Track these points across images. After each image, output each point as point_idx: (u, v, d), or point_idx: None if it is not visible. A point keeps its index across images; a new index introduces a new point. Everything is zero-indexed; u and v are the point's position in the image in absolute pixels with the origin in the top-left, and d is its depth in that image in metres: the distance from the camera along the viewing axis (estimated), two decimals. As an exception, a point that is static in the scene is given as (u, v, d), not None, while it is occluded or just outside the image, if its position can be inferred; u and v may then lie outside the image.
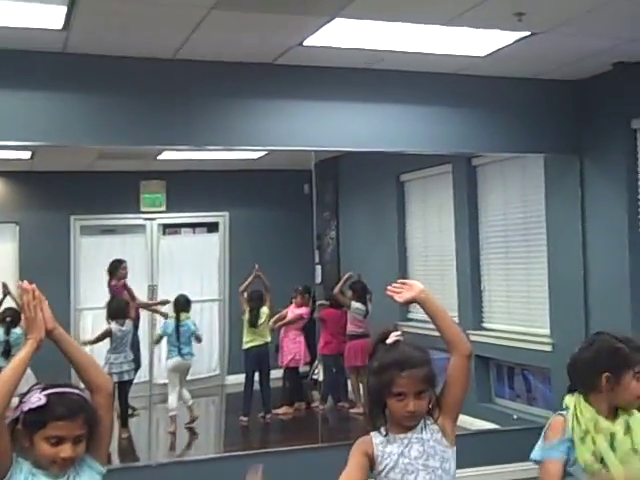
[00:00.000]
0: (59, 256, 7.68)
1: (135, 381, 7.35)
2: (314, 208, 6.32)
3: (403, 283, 2.58)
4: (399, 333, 2.46)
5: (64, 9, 4.11)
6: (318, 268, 8.39)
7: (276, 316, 7.50)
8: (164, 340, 7.34)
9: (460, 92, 5.58)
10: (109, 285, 7.49)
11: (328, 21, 4.42)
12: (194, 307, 8.00)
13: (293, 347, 7.43)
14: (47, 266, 7.50)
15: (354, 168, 7.66)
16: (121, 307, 6.83)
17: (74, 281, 7.64)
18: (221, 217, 8.29)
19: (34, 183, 7.58)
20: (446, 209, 6.76)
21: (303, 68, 5.24)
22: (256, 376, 7.25)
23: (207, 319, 8.25)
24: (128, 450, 6.78)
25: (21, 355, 2.35)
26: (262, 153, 6.63)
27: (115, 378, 6.50)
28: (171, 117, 5.04)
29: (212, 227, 8.41)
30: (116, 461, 6.20)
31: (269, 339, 7.34)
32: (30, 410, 2.29)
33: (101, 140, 5.02)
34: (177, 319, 7.25)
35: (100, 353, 6.74)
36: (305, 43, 4.78)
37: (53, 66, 4.83)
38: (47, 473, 2.31)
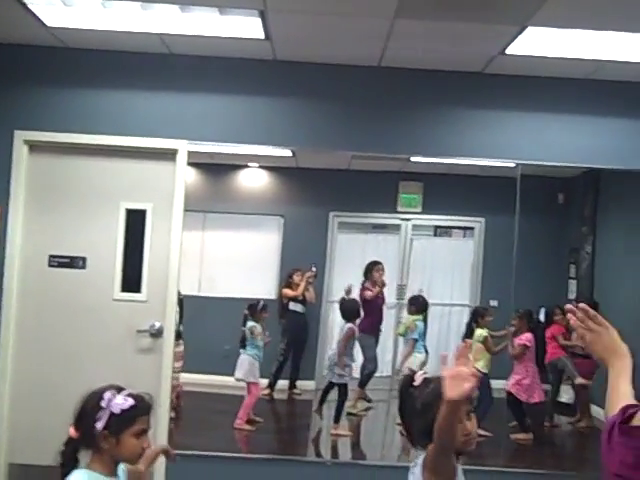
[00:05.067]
0: (317, 249, 8.07)
1: (377, 374, 7.60)
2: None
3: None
4: (422, 372, 2.54)
5: (259, 20, 4.38)
6: (572, 283, 7.98)
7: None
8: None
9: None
10: (362, 286, 7.77)
11: (521, 30, 4.25)
12: (442, 310, 8.04)
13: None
14: (306, 258, 7.95)
15: (614, 181, 7.15)
16: (355, 308, 7.02)
17: (328, 274, 8.00)
18: (477, 222, 8.16)
19: (298, 179, 8.01)
20: None
21: (513, 78, 5.09)
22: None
23: (455, 323, 8.20)
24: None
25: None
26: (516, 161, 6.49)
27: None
28: (375, 125, 5.17)
29: (467, 232, 8.33)
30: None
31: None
32: (122, 411, 2.56)
33: (320, 144, 5.45)
34: (425, 318, 7.35)
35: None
36: (508, 52, 4.63)
37: (266, 72, 5.18)
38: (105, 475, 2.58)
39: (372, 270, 7.73)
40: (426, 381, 2.50)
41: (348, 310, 7.04)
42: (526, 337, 6.99)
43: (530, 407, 6.90)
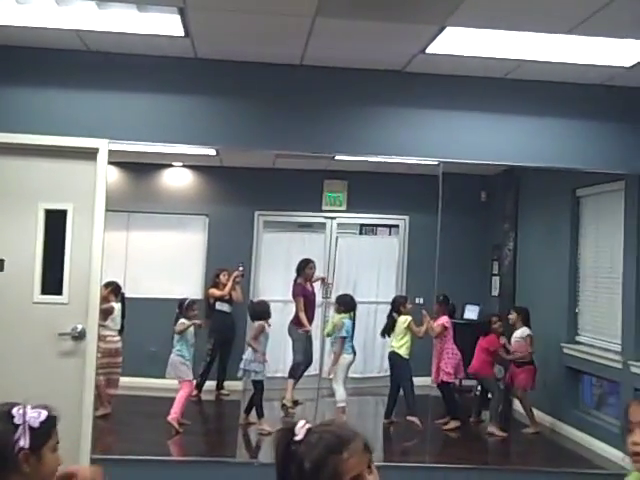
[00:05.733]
0: (243, 249, 8.04)
1: (305, 374, 7.59)
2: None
3: None
4: (303, 423, 2.01)
5: (178, 17, 4.33)
6: (496, 280, 8.12)
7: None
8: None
9: (611, 105, 5.22)
10: (294, 282, 7.77)
11: (440, 30, 4.29)
12: (368, 308, 8.10)
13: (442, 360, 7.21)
14: (231, 258, 7.92)
15: (534, 179, 7.31)
16: (264, 309, 7.01)
17: (254, 273, 7.98)
18: (401, 220, 8.25)
19: (222, 178, 7.97)
20: (618, 227, 6.26)
21: (434, 77, 5.15)
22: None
23: (381, 321, 8.24)
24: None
25: None
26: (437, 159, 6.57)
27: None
28: (297, 123, 5.18)
29: (393, 229, 8.40)
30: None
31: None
32: (41, 424, 2.36)
33: (231, 142, 5.34)
34: (354, 317, 7.38)
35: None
36: (428, 51, 4.67)
37: (187, 70, 5.15)
38: None
39: (305, 268, 7.78)
40: (310, 433, 1.99)
41: (257, 312, 7.05)
42: (443, 319, 7.22)
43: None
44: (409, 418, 6.80)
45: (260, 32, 4.54)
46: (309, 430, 1.99)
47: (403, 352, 7.03)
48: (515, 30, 4.25)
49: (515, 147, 5.49)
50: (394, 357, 7.12)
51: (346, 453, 1.93)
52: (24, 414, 2.34)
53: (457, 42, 4.54)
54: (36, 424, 2.35)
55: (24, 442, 2.31)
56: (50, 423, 2.40)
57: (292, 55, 4.97)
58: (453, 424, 6.94)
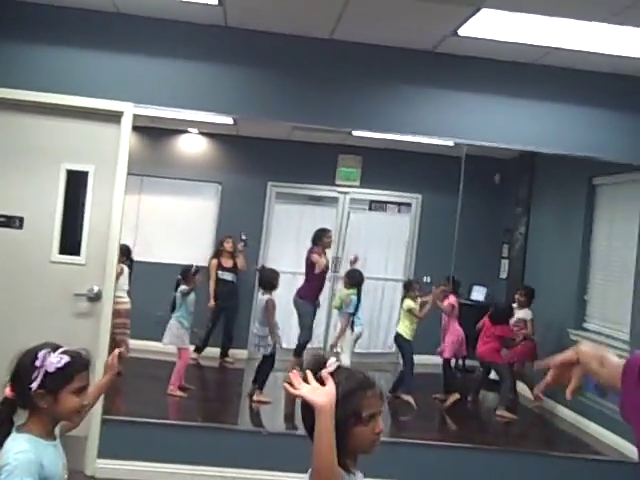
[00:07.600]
0: (254, 218, 8.06)
1: (309, 346, 7.63)
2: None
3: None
4: (334, 360, 2.22)
5: (213, -16, 4.32)
6: (505, 263, 8.16)
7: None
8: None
9: (637, 97, 5.24)
10: (309, 251, 7.79)
11: (475, 11, 4.29)
12: (375, 284, 8.14)
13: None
14: (242, 226, 7.94)
15: (550, 165, 7.32)
16: (269, 277, 6.97)
17: (264, 244, 8.01)
18: (414, 199, 8.27)
19: (237, 147, 7.97)
20: (634, 218, 6.29)
21: (463, 58, 5.15)
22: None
23: (388, 297, 8.30)
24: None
25: None
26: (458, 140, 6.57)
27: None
28: (319, 97, 5.20)
29: (402, 207, 8.43)
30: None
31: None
32: (57, 369, 2.51)
33: (254, 113, 5.34)
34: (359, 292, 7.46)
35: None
36: (460, 33, 4.67)
37: (216, 38, 5.13)
38: (44, 438, 2.57)
39: (322, 237, 7.78)
40: (340, 369, 2.21)
41: (264, 279, 7.05)
42: (452, 299, 7.40)
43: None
44: (404, 397, 6.87)
45: (294, 4, 4.54)
46: (339, 367, 2.22)
47: (406, 333, 7.19)
48: (551, 15, 4.24)
49: (537, 133, 5.52)
50: (398, 338, 7.27)
51: (370, 392, 2.25)
52: (45, 358, 2.51)
53: (489, 25, 4.53)
54: (52, 369, 2.51)
55: (36, 384, 2.49)
56: (72, 369, 2.54)
57: (322, 29, 4.96)
58: (452, 398, 7.03)
